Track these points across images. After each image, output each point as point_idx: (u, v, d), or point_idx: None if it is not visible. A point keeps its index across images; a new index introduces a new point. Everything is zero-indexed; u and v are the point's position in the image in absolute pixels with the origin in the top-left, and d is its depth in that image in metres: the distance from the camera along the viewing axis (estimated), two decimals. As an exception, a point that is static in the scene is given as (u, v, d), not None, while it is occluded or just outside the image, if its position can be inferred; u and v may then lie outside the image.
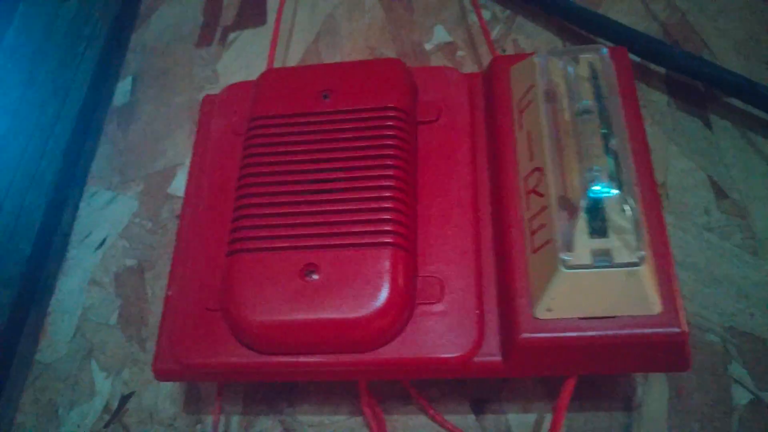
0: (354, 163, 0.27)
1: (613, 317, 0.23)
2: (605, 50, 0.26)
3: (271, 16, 0.46)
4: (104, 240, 0.38)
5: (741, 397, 0.29)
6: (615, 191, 0.22)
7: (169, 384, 0.33)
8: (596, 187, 0.23)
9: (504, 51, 0.41)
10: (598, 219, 0.23)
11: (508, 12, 0.43)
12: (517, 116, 0.28)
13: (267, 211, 0.27)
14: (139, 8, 0.48)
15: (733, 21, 0.39)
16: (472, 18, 0.43)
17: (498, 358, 0.25)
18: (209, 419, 0.31)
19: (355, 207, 0.26)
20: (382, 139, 0.27)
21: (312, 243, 0.26)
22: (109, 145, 0.42)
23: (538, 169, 0.25)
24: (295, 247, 0.26)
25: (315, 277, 0.25)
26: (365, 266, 0.25)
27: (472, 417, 0.30)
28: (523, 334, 0.23)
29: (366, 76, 0.29)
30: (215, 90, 0.43)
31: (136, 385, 0.33)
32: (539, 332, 0.23)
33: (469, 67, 0.40)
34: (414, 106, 0.30)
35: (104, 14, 0.46)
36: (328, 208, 0.26)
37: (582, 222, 0.23)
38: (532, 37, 0.41)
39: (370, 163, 0.27)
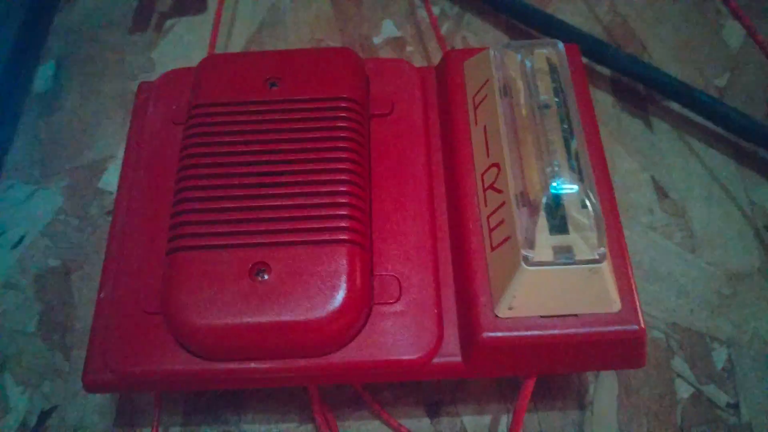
0: (305, 155, 0.26)
1: (575, 315, 0.23)
2: (561, 45, 0.26)
3: (212, 4, 0.43)
4: (22, 238, 0.35)
5: (683, 390, 0.30)
6: (576, 187, 0.22)
7: (98, 396, 0.30)
8: (557, 183, 0.22)
9: (453, 47, 0.40)
10: (558, 216, 0.23)
11: (457, 9, 0.42)
12: (473, 111, 0.27)
13: (211, 206, 0.25)
14: (62, -13, 0.45)
15: (670, 28, 0.41)
16: (421, 14, 0.42)
17: (458, 359, 0.24)
18: (145, 432, 0.29)
19: (307, 202, 0.25)
20: (336, 131, 0.26)
21: (261, 240, 0.24)
22: (28, 134, 0.38)
23: (495, 165, 0.25)
24: (243, 245, 0.24)
25: (265, 276, 0.23)
26: (320, 265, 0.24)
27: (426, 420, 0.29)
28: (485, 334, 0.23)
29: (316, 65, 0.28)
30: (150, 78, 0.40)
31: (58, 398, 0.30)
32: (501, 331, 0.23)
33: (419, 63, 0.40)
34: (366, 98, 0.29)
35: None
36: (277, 203, 0.25)
37: (542, 219, 0.23)
38: (480, 34, 0.41)
39: (323, 155, 0.26)
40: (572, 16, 0.41)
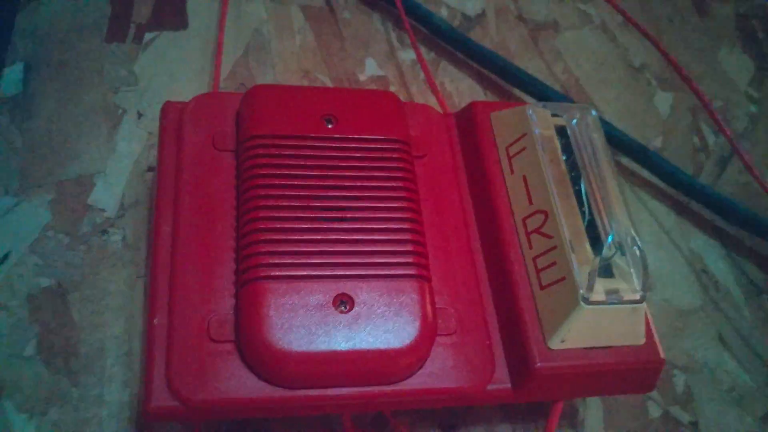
0: (367, 191, 0.27)
1: (611, 347, 0.26)
2: (595, 112, 0.30)
3: (193, 20, 0.43)
4: (7, 255, 0.32)
5: (654, 411, 0.35)
6: (628, 237, 0.26)
7: (113, 423, 0.28)
8: (611, 235, 0.26)
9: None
10: (606, 260, 0.26)
11: (433, 55, 0.45)
12: (506, 160, 0.30)
13: (285, 237, 0.25)
14: (22, -16, 0.42)
15: (613, 92, 0.47)
16: (401, 55, 0.45)
17: (508, 386, 0.26)
18: (168, 464, 0.28)
19: (380, 237, 0.26)
20: (393, 171, 0.28)
21: (342, 272, 0.25)
22: (1, 141, 0.35)
23: (541, 211, 0.28)
24: (325, 276, 0.25)
25: (347, 307, 0.24)
26: (395, 297, 0.25)
27: (445, 441, 0.31)
28: (539, 364, 0.26)
29: (368, 106, 0.30)
30: (134, 92, 0.39)
31: (68, 427, 0.28)
32: (554, 361, 0.26)
33: (406, 103, 0.42)
34: (410, 140, 0.31)
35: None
36: (353, 237, 0.26)
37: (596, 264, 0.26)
38: (456, 81, 0.44)
39: (384, 193, 0.27)
40: (534, 72, 0.46)
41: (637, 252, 0.26)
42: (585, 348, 0.26)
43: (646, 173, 0.43)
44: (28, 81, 0.38)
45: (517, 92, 0.44)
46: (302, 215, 0.26)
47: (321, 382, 0.24)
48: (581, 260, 0.26)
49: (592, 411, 0.34)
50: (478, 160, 0.31)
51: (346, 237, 0.26)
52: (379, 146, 0.28)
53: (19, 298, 0.31)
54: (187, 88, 0.40)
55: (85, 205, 0.34)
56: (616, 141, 0.42)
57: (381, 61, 0.44)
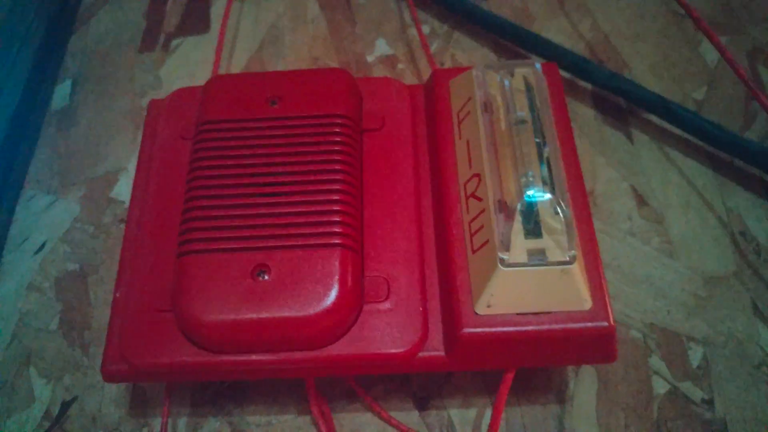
0: (303, 167, 0.28)
1: (548, 312, 0.25)
2: (538, 65, 0.28)
3: (215, 24, 0.46)
4: (43, 244, 0.37)
5: (660, 387, 0.32)
6: (548, 195, 0.24)
7: (113, 388, 0.32)
8: (531, 192, 0.25)
9: (443, 65, 0.43)
10: (532, 221, 0.25)
11: (446, 27, 0.45)
12: (457, 126, 0.30)
13: (217, 213, 0.27)
14: (77, 10, 0.48)
15: (650, 45, 0.43)
16: (412, 32, 0.44)
17: (441, 353, 0.26)
18: (156, 422, 0.31)
19: (304, 209, 0.27)
20: (330, 145, 0.29)
21: (262, 244, 0.26)
22: (47, 148, 0.41)
23: (476, 175, 0.27)
24: (246, 249, 0.26)
25: (266, 277, 0.26)
26: (315, 266, 0.26)
27: (415, 413, 0.31)
28: (465, 329, 0.25)
29: (313, 85, 0.30)
30: (159, 96, 0.43)
31: (78, 390, 0.33)
32: (480, 327, 0.25)
33: (409, 79, 0.42)
34: (359, 115, 0.31)
35: (40, 14, 0.45)
36: (277, 210, 0.27)
37: (518, 224, 0.25)
38: (469, 51, 0.43)
39: (319, 167, 0.28)
40: (557, 33, 0.44)
41: (561, 212, 0.24)
42: (516, 313, 0.25)
43: (678, 131, 0.39)
44: (74, 95, 0.43)
45: (534, 59, 0.42)
46: (239, 192, 0.28)
47: (243, 347, 0.26)
48: (506, 216, 0.25)
49: (585, 384, 0.32)
50: (434, 128, 0.31)
51: (272, 210, 0.27)
52: (318, 122, 0.29)
53: (49, 281, 0.36)
54: (206, 87, 0.43)
55: (109, 198, 0.39)
56: (635, 97, 0.38)
57: (391, 40, 0.44)
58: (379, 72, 0.43)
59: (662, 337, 0.33)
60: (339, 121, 0.29)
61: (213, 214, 0.27)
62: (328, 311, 0.25)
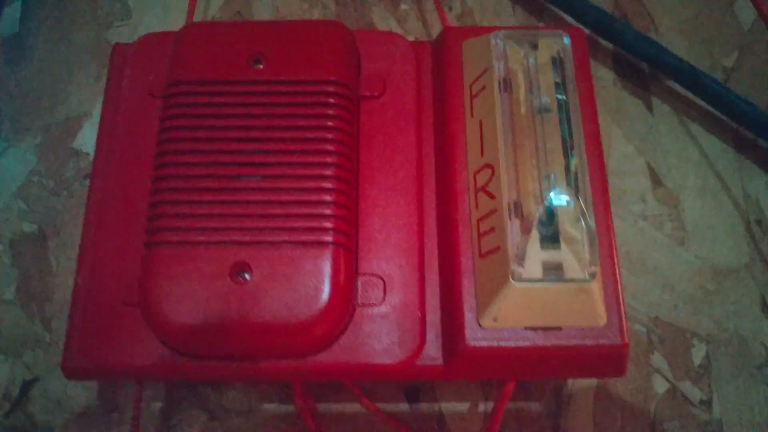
0: (290, 145, 0.24)
1: (559, 328, 0.23)
2: (567, 39, 0.24)
3: (191, -56, 0.40)
4: (-5, 200, 0.34)
5: (660, 386, 0.30)
6: (571, 202, 0.21)
7: (77, 368, 0.30)
8: (552, 196, 0.21)
9: (450, 9, 0.38)
10: (550, 228, 0.22)
11: (456, -36, 0.40)
12: (469, 100, 0.26)
13: (191, 198, 0.24)
14: None
15: (679, 0, 0.38)
16: (418, -33, 0.39)
17: (439, 362, 0.24)
18: (126, 406, 0.29)
19: (291, 198, 0.24)
20: (323, 119, 0.25)
21: (242, 238, 0.23)
22: (-4, 85, 0.36)
23: (489, 166, 0.24)
24: (224, 242, 0.23)
25: (246, 277, 0.23)
26: (302, 267, 0.23)
27: (405, 405, 0.29)
28: (468, 342, 0.23)
29: (304, 41, 0.26)
30: (127, 27, 0.38)
31: (40, 369, 0.30)
32: (484, 341, 0.23)
33: (413, 24, 0.38)
34: (357, 79, 0.27)
35: None
36: (261, 198, 0.24)
37: (533, 230, 0.22)
38: (479, -5, 0.39)
39: (309, 146, 0.24)
40: (580, -21, 0.39)
41: (583, 222, 0.21)
42: (525, 327, 0.23)
43: (702, 103, 0.35)
44: (24, 20, 0.38)
45: (552, 10, 0.38)
46: (215, 173, 0.24)
47: (219, 352, 0.23)
48: (522, 225, 0.22)
49: (583, 382, 0.30)
50: (442, 99, 0.27)
51: (255, 198, 0.24)
52: (310, 90, 0.25)
53: (3, 243, 0.32)
54: (180, 21, 0.38)
55: (71, 149, 0.35)
56: (660, 63, 0.34)
57: (394, -26, 0.39)
58: (379, 13, 0.38)
59: (666, 333, 0.31)
60: (334, 89, 0.25)
61: (185, 198, 0.24)
62: (317, 318, 0.22)
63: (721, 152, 0.35)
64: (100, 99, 0.35)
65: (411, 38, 0.37)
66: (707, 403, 0.30)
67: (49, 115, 0.35)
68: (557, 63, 0.24)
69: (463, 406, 0.29)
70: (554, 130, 0.22)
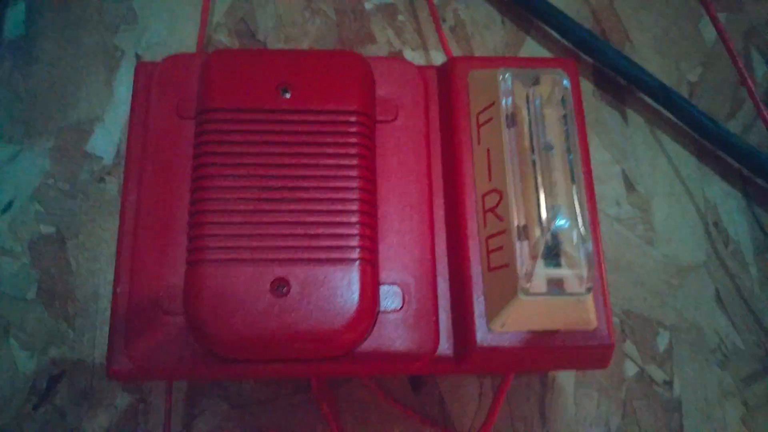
0: (318, 171, 0.27)
1: (556, 331, 0.26)
2: (567, 81, 0.27)
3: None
4: (11, 203, 0.35)
5: (630, 369, 0.35)
6: (575, 229, 0.25)
7: (104, 362, 0.32)
8: (558, 223, 0.25)
9: (444, 20, 0.41)
10: (554, 250, 0.25)
11: (448, -22, 0.42)
12: (476, 128, 0.29)
13: (230, 219, 0.26)
14: None
15: (653, 15, 0.42)
16: (412, -22, 0.41)
17: (450, 358, 0.27)
18: (152, 398, 0.31)
19: (322, 220, 0.26)
20: (347, 147, 0.27)
21: (280, 256, 0.26)
22: (5, 88, 0.37)
23: (497, 191, 0.27)
24: (263, 260, 0.26)
25: (285, 291, 0.25)
26: (335, 282, 0.26)
27: (408, 388, 0.32)
28: (479, 344, 0.26)
29: (326, 71, 0.28)
30: (134, 31, 0.39)
31: (66, 365, 0.32)
32: (493, 342, 0.26)
33: (410, 35, 0.40)
34: (374, 106, 0.29)
35: None
36: (294, 220, 0.26)
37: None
38: (472, 8, 0.41)
39: (335, 173, 0.27)
40: (562, -7, 0.42)
41: (582, 246, 0.25)
42: (528, 331, 0.26)
43: (671, 116, 0.39)
44: (30, 22, 0.39)
45: (537, 22, 0.41)
46: (249, 196, 0.26)
47: (260, 358, 0.26)
48: (531, 249, 0.25)
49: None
50: (450, 126, 0.30)
51: (288, 219, 0.26)
52: (334, 119, 0.28)
53: (22, 244, 0.34)
54: (187, 27, 0.39)
55: (84, 153, 0.36)
56: (635, 79, 0.38)
57: (390, -16, 0.41)
58: (377, 22, 0.40)
59: (636, 323, 0.35)
60: (356, 119, 0.28)
61: (225, 220, 0.26)
62: (348, 325, 0.25)
63: (686, 160, 0.39)
64: (111, 103, 0.37)
65: (408, 49, 0.40)
66: (669, 384, 0.34)
67: (60, 119, 0.36)
68: (560, 102, 0.27)
69: (461, 390, 0.33)
70: (558, 165, 0.26)
